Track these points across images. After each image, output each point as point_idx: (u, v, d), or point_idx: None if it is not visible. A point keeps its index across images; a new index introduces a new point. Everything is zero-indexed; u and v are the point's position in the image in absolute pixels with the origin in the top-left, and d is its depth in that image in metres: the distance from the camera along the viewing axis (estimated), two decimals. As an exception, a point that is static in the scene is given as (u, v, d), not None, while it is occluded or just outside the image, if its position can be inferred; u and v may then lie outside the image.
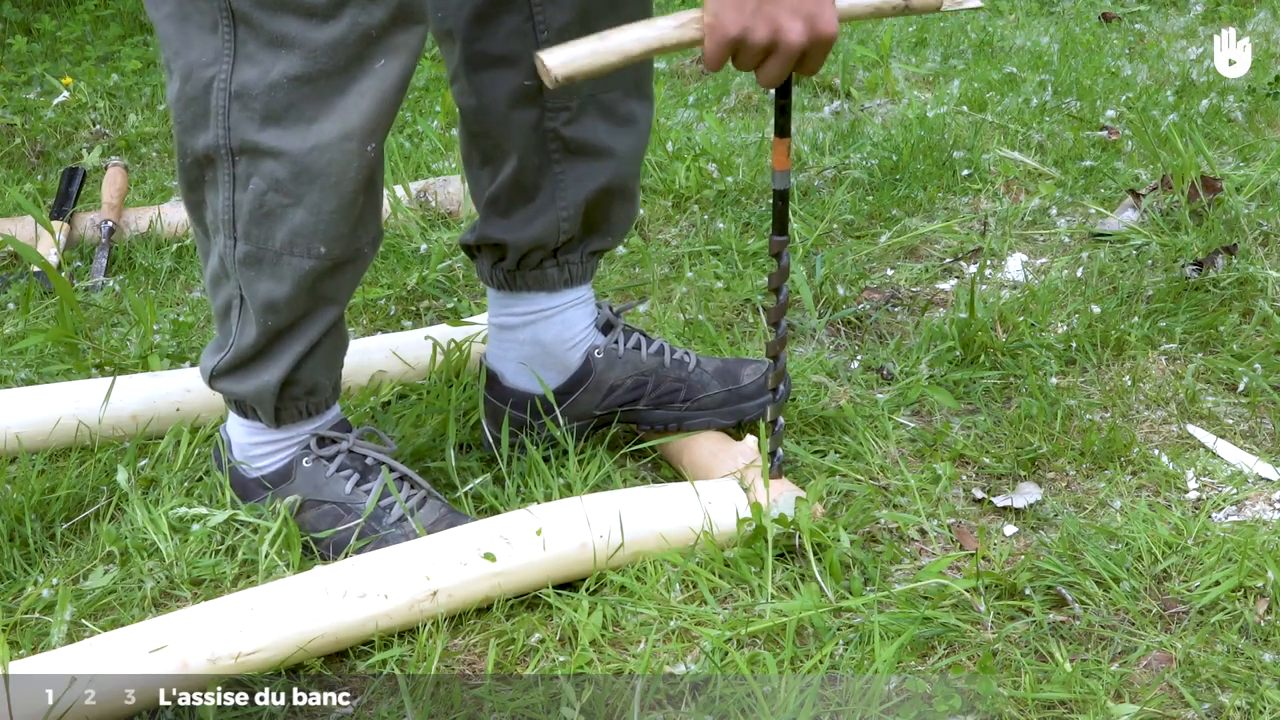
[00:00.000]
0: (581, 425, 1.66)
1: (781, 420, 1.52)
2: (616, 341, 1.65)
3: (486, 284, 1.65)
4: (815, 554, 1.41)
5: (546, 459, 1.62)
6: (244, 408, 1.50)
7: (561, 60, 1.21)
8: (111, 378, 1.76)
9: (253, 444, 1.53)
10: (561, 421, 1.64)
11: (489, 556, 1.36)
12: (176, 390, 1.77)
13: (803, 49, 1.26)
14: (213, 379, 1.49)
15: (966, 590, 1.36)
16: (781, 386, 1.51)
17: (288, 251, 1.36)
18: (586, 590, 1.40)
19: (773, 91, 1.38)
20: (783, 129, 1.40)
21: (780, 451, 1.51)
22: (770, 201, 1.45)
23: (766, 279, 1.52)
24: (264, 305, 1.39)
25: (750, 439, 1.55)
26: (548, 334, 1.63)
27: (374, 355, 1.86)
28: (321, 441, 1.52)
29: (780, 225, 1.46)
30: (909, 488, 1.57)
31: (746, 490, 1.48)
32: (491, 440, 1.66)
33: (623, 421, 1.67)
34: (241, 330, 1.43)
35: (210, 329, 2.14)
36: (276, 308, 1.39)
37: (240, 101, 1.30)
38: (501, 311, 1.65)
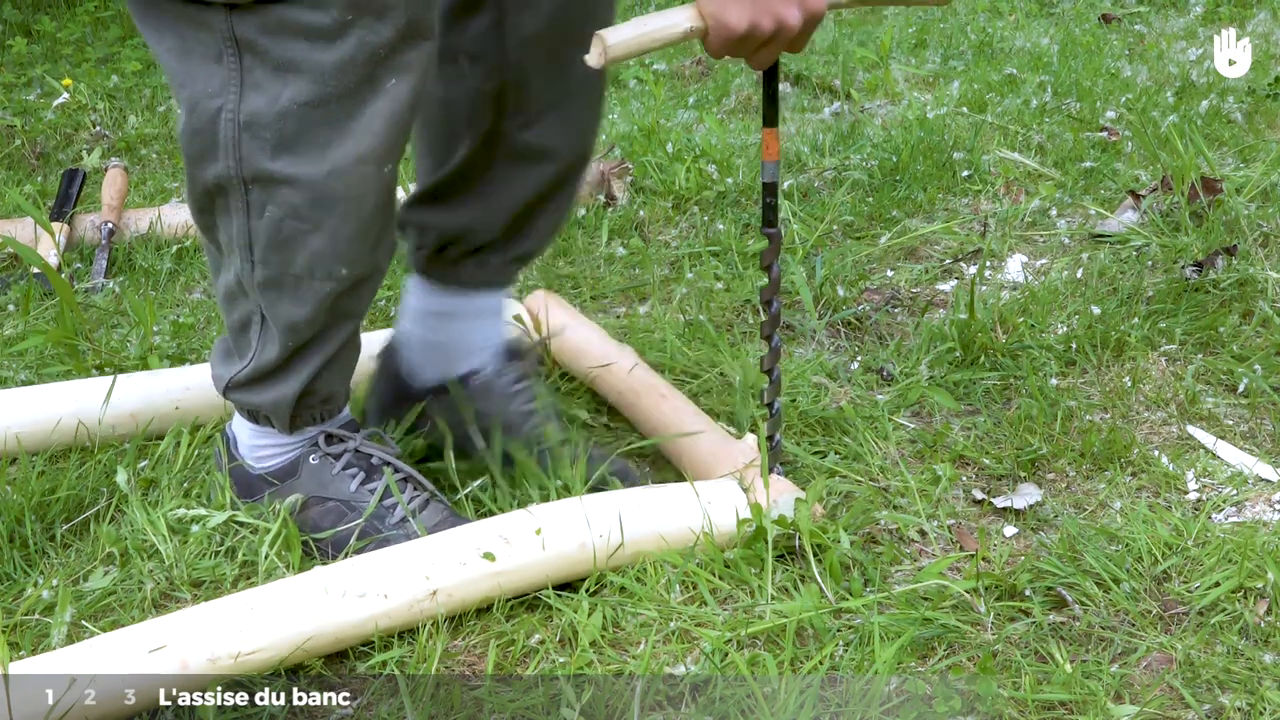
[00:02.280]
0: (438, 433, 1.64)
1: (779, 402, 1.52)
2: (504, 377, 1.65)
3: (408, 268, 1.65)
4: (815, 555, 1.41)
5: (542, 461, 1.61)
6: (256, 415, 1.50)
7: (617, 40, 1.29)
8: (112, 377, 1.76)
9: (260, 444, 1.53)
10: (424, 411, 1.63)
11: (488, 556, 1.36)
12: (176, 388, 1.77)
13: (798, 31, 1.30)
14: (229, 390, 1.48)
15: (966, 591, 1.36)
16: (776, 368, 1.52)
17: (308, 276, 1.34)
18: (586, 591, 1.40)
19: (760, 82, 1.42)
20: (772, 118, 1.43)
21: (779, 437, 1.51)
22: (761, 199, 1.47)
23: (759, 257, 1.53)
24: (286, 326, 1.38)
25: (750, 438, 1.55)
26: (449, 334, 1.64)
27: (374, 354, 1.86)
28: (329, 439, 1.52)
29: (770, 218, 1.48)
30: (909, 489, 1.57)
31: (746, 490, 1.48)
32: (376, 412, 1.68)
33: (472, 456, 1.65)
34: (264, 346, 1.42)
35: (210, 330, 2.14)
36: (298, 328, 1.38)
37: (250, 131, 1.28)
38: (417, 295, 1.65)
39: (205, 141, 1.30)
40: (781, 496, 1.46)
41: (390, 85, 1.27)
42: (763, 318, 1.52)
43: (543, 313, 2.03)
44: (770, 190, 1.47)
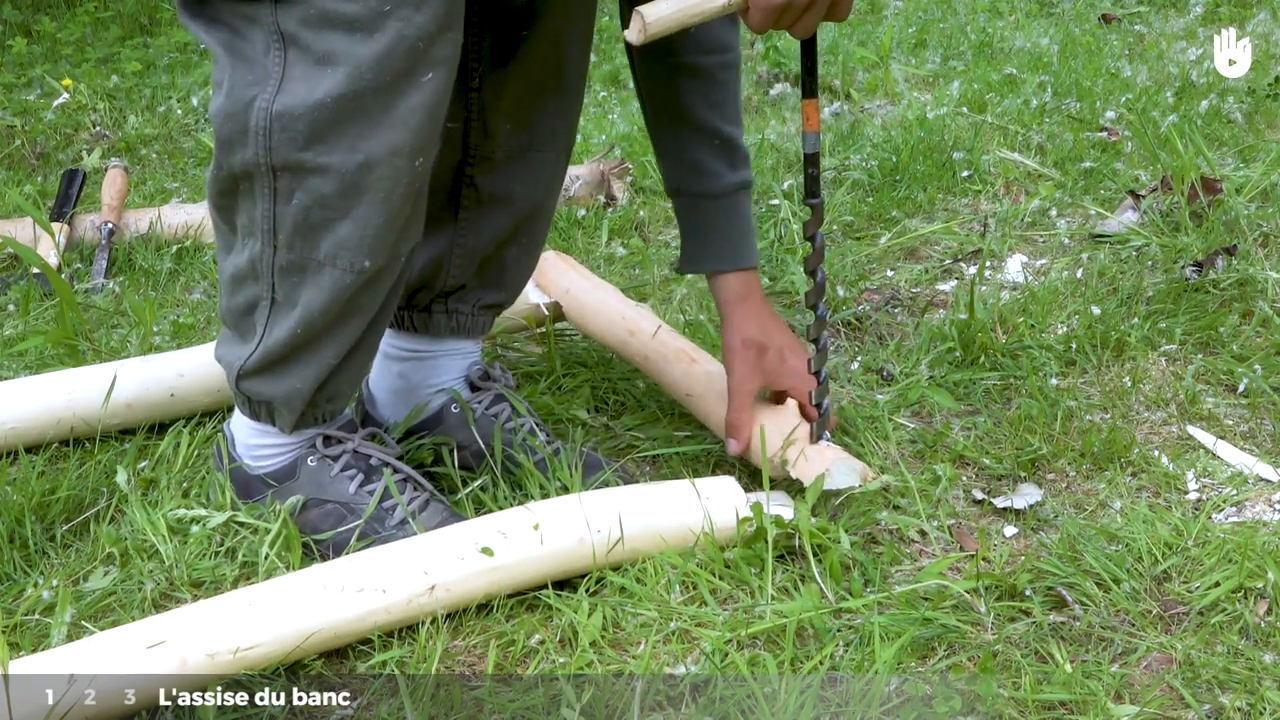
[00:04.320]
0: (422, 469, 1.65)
1: (825, 370, 1.56)
2: (479, 403, 1.66)
3: None
4: (815, 555, 1.41)
5: (541, 464, 1.61)
6: (257, 410, 1.49)
7: (655, 16, 1.32)
8: (113, 370, 1.76)
9: (259, 444, 1.52)
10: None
11: (486, 551, 1.36)
12: (170, 375, 1.77)
13: None
14: (240, 378, 1.47)
15: (967, 591, 1.36)
16: (824, 336, 1.56)
17: (330, 264, 1.34)
18: (586, 591, 1.40)
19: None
20: (811, 88, 1.46)
21: (827, 404, 1.55)
22: (803, 170, 1.51)
23: (803, 227, 1.56)
24: (302, 313, 1.38)
25: (791, 403, 1.57)
26: (417, 374, 1.67)
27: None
28: (327, 441, 1.51)
29: (813, 189, 1.51)
30: (909, 489, 1.57)
31: (788, 466, 1.50)
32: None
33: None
34: (270, 330, 1.41)
35: (210, 330, 2.14)
36: (313, 316, 1.38)
37: (280, 123, 1.28)
38: (387, 342, 1.68)
39: (236, 127, 1.30)
40: (834, 465, 1.46)
41: (426, 79, 1.28)
42: (808, 289, 1.53)
43: (553, 273, 2.05)
44: (812, 161, 1.49)
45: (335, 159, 1.28)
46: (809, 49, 1.45)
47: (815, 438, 1.54)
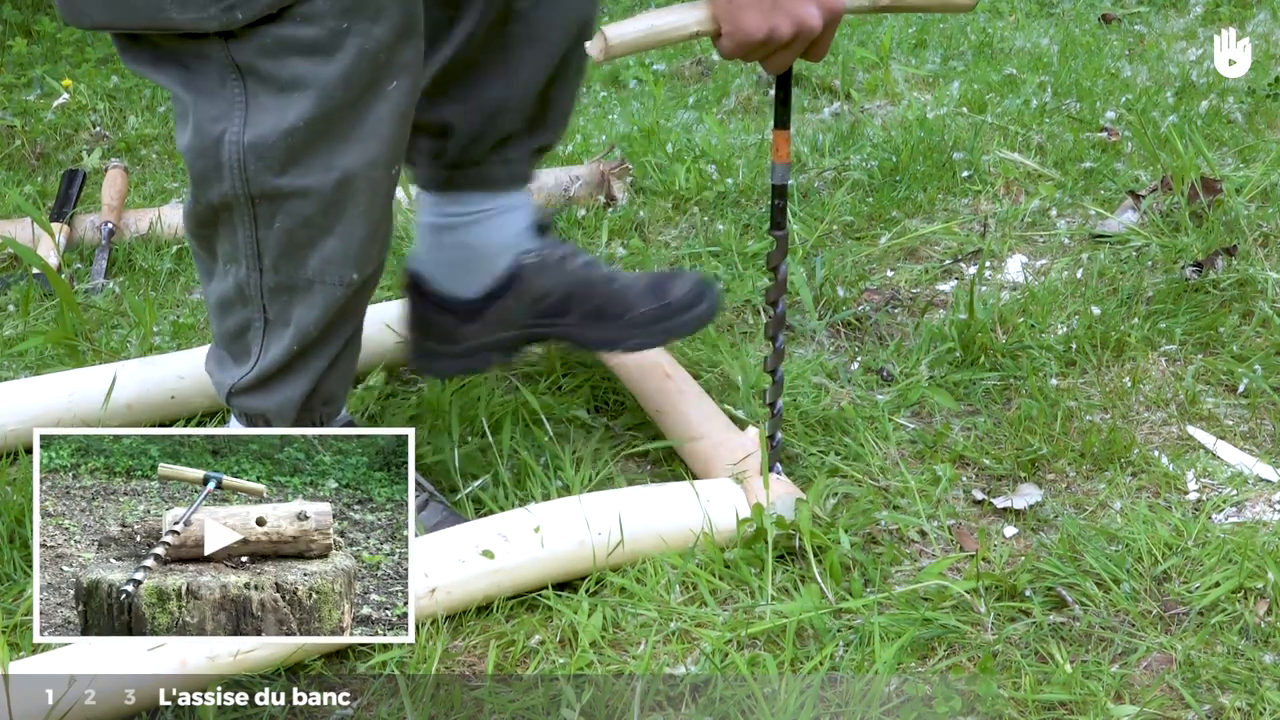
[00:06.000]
0: (513, 337, 1.62)
1: (780, 402, 1.53)
2: (548, 248, 1.62)
3: (423, 187, 1.61)
4: (815, 555, 1.41)
5: (543, 462, 1.61)
6: (254, 421, 1.49)
7: (619, 38, 1.29)
8: (113, 371, 1.76)
9: (255, 445, 1.53)
10: (482, 331, 1.60)
11: (487, 554, 1.36)
12: (170, 377, 1.77)
13: (819, 32, 1.30)
14: (232, 396, 1.46)
15: (967, 591, 1.36)
16: (780, 369, 1.54)
17: (319, 280, 1.34)
18: (586, 592, 1.40)
19: (773, 84, 1.42)
20: (784, 120, 1.42)
21: (780, 437, 1.52)
22: (769, 201, 1.48)
23: (766, 258, 1.53)
24: (295, 330, 1.37)
25: (752, 430, 1.56)
26: (480, 237, 1.60)
27: (370, 343, 1.83)
28: None
29: (779, 220, 1.48)
30: (909, 489, 1.57)
31: (741, 483, 1.48)
32: (416, 350, 1.65)
33: (556, 339, 1.64)
34: (265, 351, 1.41)
35: (210, 330, 2.14)
36: (307, 331, 1.37)
37: (255, 153, 1.27)
38: (436, 212, 1.61)
39: (208, 163, 1.29)
40: (780, 497, 1.46)
41: (391, 88, 1.27)
42: (767, 319, 1.52)
43: None
44: (780, 192, 1.47)
45: (313, 180, 1.28)
46: (784, 80, 1.41)
47: (767, 468, 1.52)
